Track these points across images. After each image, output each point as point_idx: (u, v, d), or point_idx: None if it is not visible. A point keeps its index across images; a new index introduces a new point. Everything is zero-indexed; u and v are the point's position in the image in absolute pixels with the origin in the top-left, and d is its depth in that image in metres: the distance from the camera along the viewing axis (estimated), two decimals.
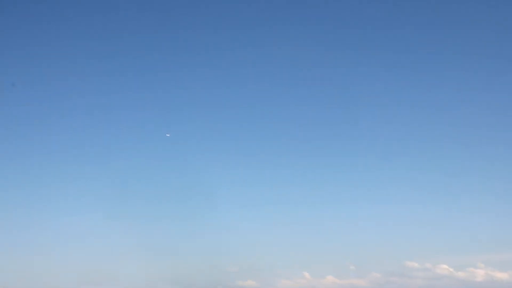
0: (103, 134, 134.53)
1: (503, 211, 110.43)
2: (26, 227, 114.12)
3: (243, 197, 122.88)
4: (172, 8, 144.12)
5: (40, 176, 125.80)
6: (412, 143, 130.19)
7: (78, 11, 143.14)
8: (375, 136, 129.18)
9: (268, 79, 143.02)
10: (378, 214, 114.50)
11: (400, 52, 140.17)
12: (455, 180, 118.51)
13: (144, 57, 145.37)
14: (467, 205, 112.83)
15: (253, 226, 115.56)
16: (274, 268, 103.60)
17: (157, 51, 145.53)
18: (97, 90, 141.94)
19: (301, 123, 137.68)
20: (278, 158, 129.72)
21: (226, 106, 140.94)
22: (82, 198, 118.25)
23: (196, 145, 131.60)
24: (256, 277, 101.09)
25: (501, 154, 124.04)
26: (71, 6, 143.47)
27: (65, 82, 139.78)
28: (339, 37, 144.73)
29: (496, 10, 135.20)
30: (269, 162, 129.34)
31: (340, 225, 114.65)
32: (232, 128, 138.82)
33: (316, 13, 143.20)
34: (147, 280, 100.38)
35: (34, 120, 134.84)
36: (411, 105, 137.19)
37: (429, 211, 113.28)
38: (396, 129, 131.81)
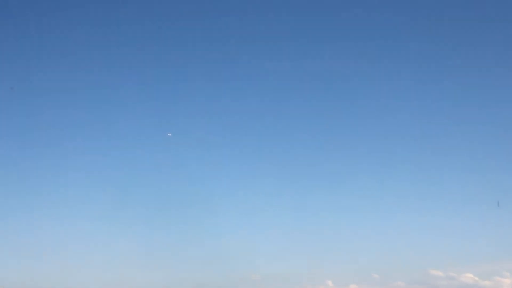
0: (102, 136, 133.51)
1: None
2: (26, 229, 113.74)
3: (263, 204, 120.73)
4: (171, 6, 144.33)
5: (39, 178, 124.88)
6: (438, 151, 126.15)
7: (78, 11, 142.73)
8: (399, 145, 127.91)
9: (268, 82, 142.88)
10: (402, 222, 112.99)
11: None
12: (480, 187, 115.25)
13: (144, 57, 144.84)
14: (493, 212, 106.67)
15: (274, 233, 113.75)
16: (296, 276, 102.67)
17: (158, 52, 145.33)
18: (96, 92, 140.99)
19: (311, 124, 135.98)
20: (296, 163, 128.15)
21: (227, 112, 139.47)
22: (81, 204, 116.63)
23: (199, 148, 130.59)
24: (279, 285, 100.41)
25: None
26: (71, 6, 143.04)
27: (64, 87, 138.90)
28: (342, 39, 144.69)
29: (497, 11, 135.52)
30: (287, 168, 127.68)
31: (363, 233, 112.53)
32: (237, 133, 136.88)
33: (318, 11, 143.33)
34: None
35: (33, 124, 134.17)
36: (430, 103, 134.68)
37: (454, 218, 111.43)
38: (423, 140, 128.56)
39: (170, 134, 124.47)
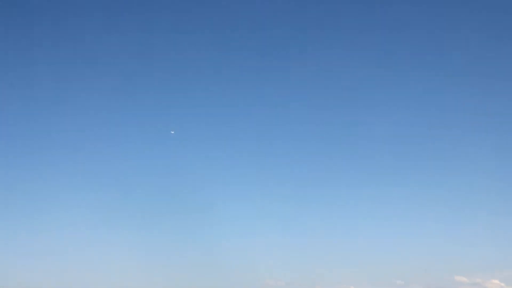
0: (102, 138, 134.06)
1: None
2: (25, 230, 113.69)
3: (271, 209, 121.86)
4: (171, 8, 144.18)
5: (38, 179, 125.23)
6: (463, 156, 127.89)
7: (78, 11, 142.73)
8: (423, 150, 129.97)
9: (268, 83, 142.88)
10: (426, 228, 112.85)
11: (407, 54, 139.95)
12: (507, 194, 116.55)
13: (143, 58, 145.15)
14: None
15: (298, 242, 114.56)
16: (320, 282, 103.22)
17: (157, 52, 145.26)
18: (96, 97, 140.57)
19: (317, 125, 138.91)
20: (308, 165, 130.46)
21: (229, 117, 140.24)
22: (80, 208, 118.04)
23: (201, 151, 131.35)
24: None
25: None
26: (71, 6, 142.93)
27: (64, 84, 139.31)
28: (342, 40, 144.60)
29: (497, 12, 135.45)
30: (299, 172, 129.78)
31: (388, 239, 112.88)
32: (240, 136, 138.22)
33: (321, 15, 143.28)
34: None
35: (34, 122, 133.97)
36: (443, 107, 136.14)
37: (479, 224, 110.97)
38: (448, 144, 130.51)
39: (173, 132, 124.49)
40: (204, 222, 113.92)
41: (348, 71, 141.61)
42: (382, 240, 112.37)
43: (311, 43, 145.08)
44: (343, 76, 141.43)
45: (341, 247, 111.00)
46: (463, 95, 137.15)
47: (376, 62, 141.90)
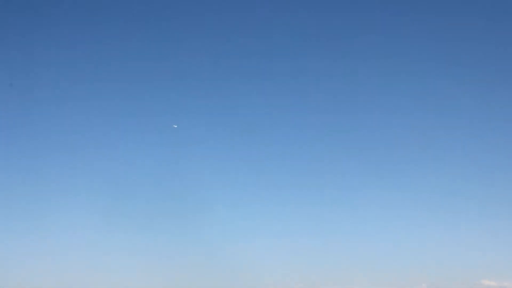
0: (102, 139, 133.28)
1: None
2: (25, 230, 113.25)
3: (274, 211, 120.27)
4: (172, 7, 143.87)
5: (36, 180, 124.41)
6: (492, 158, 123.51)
7: (78, 10, 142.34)
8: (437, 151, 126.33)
9: (266, 83, 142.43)
10: (453, 231, 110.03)
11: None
12: None
13: (144, 58, 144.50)
14: None
15: (298, 243, 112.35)
16: (341, 286, 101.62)
17: (157, 52, 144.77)
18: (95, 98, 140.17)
19: (321, 125, 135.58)
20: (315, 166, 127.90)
21: (227, 116, 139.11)
22: (79, 209, 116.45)
23: (202, 152, 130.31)
24: None
25: None
26: (71, 5, 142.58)
27: (64, 84, 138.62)
28: (340, 43, 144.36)
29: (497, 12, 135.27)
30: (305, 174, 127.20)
31: (413, 242, 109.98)
32: (242, 135, 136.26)
33: (318, 18, 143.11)
34: None
35: (34, 122, 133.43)
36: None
37: (506, 225, 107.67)
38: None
39: (175, 126, 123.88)
40: (205, 224, 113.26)
41: (349, 72, 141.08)
42: (406, 243, 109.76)
43: (313, 44, 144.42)
44: (344, 77, 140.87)
45: (365, 250, 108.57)
46: (463, 95, 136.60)
47: (376, 63, 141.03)
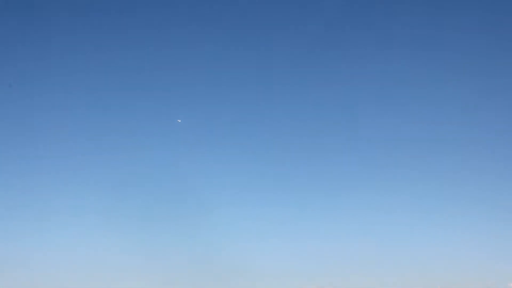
0: (98, 139, 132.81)
1: None
2: (25, 230, 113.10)
3: (275, 212, 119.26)
4: (172, 4, 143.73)
5: (34, 181, 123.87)
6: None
7: (78, 10, 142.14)
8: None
9: (266, 80, 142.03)
10: (478, 232, 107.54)
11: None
12: None
13: (143, 56, 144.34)
14: None
15: (299, 245, 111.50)
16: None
17: (157, 52, 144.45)
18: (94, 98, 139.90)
19: (321, 126, 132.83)
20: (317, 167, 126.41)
21: (227, 117, 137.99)
22: (76, 208, 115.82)
23: (200, 152, 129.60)
24: None
25: None
26: (71, 5, 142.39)
27: (63, 84, 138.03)
28: (339, 37, 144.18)
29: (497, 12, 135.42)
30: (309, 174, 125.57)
31: (437, 244, 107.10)
32: (239, 135, 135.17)
33: (317, 12, 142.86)
34: None
35: (33, 122, 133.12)
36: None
37: None
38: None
39: (179, 121, 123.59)
40: (205, 225, 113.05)
41: (350, 73, 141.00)
42: (429, 245, 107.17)
43: (315, 44, 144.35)
44: (344, 78, 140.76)
45: (388, 251, 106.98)
46: (463, 95, 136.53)
47: (377, 64, 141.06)
